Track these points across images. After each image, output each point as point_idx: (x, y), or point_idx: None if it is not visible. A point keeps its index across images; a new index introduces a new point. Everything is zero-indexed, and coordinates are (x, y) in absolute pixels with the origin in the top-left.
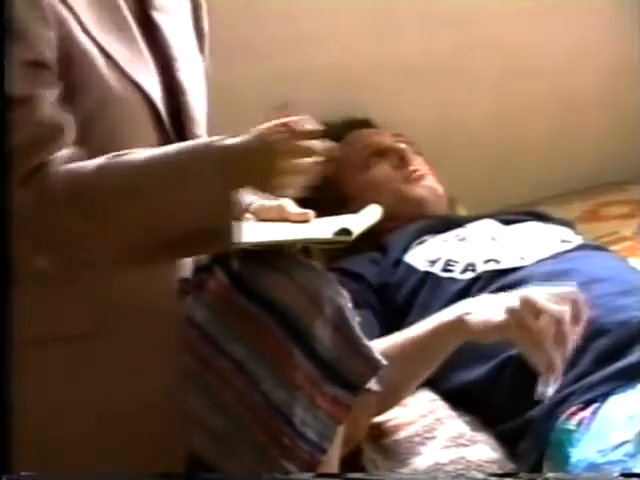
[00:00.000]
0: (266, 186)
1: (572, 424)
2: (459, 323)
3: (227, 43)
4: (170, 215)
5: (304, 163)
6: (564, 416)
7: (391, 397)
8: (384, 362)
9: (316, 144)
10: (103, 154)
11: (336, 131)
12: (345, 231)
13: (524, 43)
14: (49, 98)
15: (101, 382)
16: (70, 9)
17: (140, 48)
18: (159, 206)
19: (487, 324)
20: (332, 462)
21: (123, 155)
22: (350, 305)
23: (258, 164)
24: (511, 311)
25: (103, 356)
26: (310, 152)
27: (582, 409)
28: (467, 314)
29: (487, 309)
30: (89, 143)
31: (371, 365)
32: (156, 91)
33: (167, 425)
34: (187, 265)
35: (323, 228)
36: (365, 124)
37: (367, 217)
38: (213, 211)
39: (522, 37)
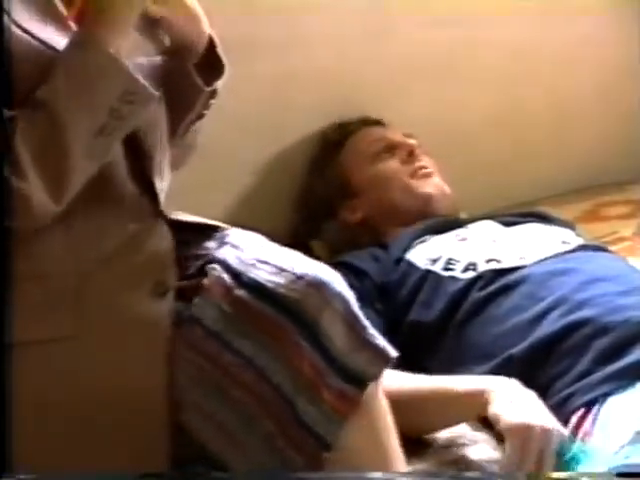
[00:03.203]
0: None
1: (577, 443)
2: (480, 396)
3: (232, 43)
4: (90, 105)
5: None
6: (568, 431)
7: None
8: (394, 353)
9: None
10: None
11: (350, 127)
12: None
13: (523, 43)
14: None
15: (82, 383)
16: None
17: None
18: (79, 106)
19: (498, 418)
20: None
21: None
22: (356, 303)
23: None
24: (527, 434)
25: (83, 358)
26: None
27: (583, 417)
28: (495, 392)
29: (514, 403)
30: None
31: (382, 357)
32: None
33: (149, 424)
34: (164, 268)
35: None
36: (378, 124)
37: None
38: (110, 79)
39: (521, 37)
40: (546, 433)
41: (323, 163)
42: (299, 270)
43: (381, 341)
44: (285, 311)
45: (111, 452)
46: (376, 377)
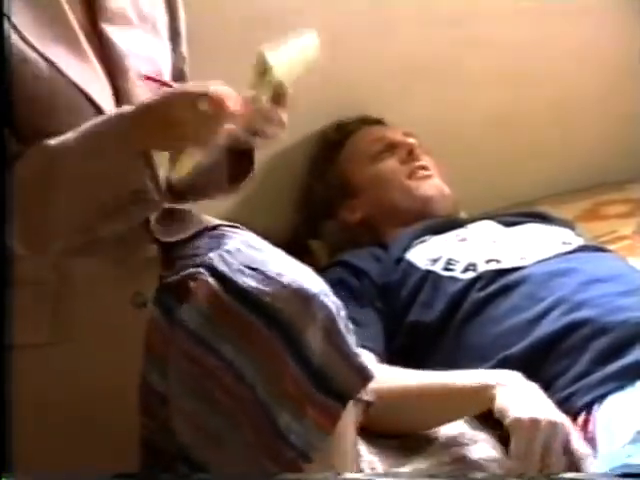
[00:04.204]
0: (172, 137)
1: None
2: (485, 391)
3: (232, 43)
4: (97, 187)
5: (201, 110)
6: None
7: (401, 428)
8: (374, 374)
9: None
10: None
11: (350, 127)
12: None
13: (524, 43)
14: None
15: (57, 388)
16: (11, 23)
17: (90, 60)
18: (85, 182)
19: (504, 412)
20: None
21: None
22: (343, 313)
23: (157, 116)
24: (533, 428)
25: (58, 364)
26: (202, 97)
27: (585, 422)
28: (500, 386)
29: (520, 397)
30: None
31: (361, 376)
32: (107, 101)
33: (123, 428)
34: (144, 280)
35: None
36: (378, 123)
37: (295, 48)
38: (127, 175)
39: (522, 37)
40: (552, 426)
41: (323, 163)
42: (286, 279)
43: (363, 359)
44: (269, 320)
45: (87, 452)
46: (356, 395)
